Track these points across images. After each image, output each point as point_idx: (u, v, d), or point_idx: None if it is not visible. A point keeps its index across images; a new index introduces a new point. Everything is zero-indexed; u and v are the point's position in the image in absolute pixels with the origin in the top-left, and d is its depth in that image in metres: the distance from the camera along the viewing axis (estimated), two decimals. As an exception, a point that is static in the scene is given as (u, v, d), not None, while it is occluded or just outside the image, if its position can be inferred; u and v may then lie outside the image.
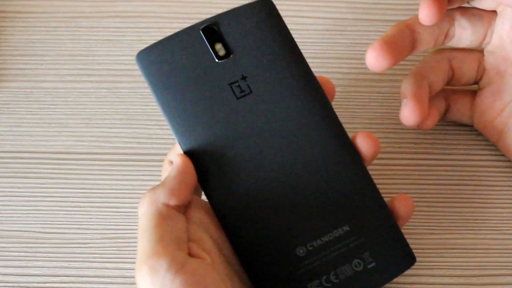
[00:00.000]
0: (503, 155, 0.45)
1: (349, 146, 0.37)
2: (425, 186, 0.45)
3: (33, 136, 0.47)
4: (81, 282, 0.41)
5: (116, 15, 0.53)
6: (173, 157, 0.36)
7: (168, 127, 0.36)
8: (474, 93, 0.44)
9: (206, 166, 0.35)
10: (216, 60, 0.36)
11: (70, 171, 0.46)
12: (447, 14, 0.41)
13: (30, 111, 0.48)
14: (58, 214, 0.44)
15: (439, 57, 0.43)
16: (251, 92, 0.36)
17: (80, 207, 0.44)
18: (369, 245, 0.35)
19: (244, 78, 0.36)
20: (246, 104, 0.36)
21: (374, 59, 0.39)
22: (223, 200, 0.35)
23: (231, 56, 0.36)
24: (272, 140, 0.35)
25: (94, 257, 0.42)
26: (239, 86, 0.36)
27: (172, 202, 0.33)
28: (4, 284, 0.41)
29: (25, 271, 0.42)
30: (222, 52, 0.36)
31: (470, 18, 0.41)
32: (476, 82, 0.44)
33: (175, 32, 0.37)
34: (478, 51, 0.43)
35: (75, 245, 0.43)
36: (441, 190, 0.45)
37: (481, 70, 0.43)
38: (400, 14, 0.52)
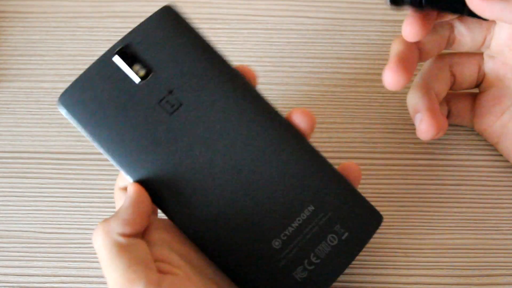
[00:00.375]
0: (503, 155, 0.45)
1: (288, 127, 0.37)
2: (425, 186, 0.45)
3: (33, 136, 0.47)
4: (81, 282, 0.41)
5: (116, 15, 0.53)
6: (123, 184, 0.35)
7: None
8: (474, 97, 0.44)
9: (160, 189, 0.35)
10: (138, 82, 0.35)
11: (70, 171, 0.46)
12: (447, 21, 0.41)
13: (30, 111, 0.48)
14: (58, 214, 0.44)
15: (440, 65, 0.43)
16: (181, 104, 0.35)
17: (80, 207, 0.44)
18: (337, 217, 0.36)
19: (170, 92, 0.35)
20: (180, 117, 0.35)
21: (393, 79, 0.39)
22: (187, 217, 0.35)
23: (152, 74, 0.35)
24: (216, 144, 0.35)
25: (94, 257, 0.42)
26: (167, 101, 0.35)
27: (127, 231, 0.33)
28: (4, 284, 0.41)
29: (25, 271, 0.42)
30: (141, 72, 0.35)
31: (469, 25, 0.41)
32: (478, 86, 0.44)
33: (89, 66, 0.36)
34: (478, 54, 0.43)
35: (75, 245, 0.43)
36: (441, 190, 0.45)
37: (482, 74, 0.43)
38: (400, 14, 0.52)
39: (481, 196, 0.44)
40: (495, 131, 0.43)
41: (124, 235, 0.33)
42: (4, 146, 0.47)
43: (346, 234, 0.36)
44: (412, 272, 0.41)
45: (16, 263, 0.42)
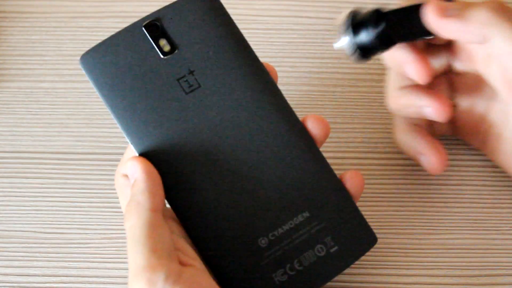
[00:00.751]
0: (503, 155, 0.45)
1: (301, 131, 0.36)
2: (425, 186, 0.45)
3: (33, 136, 0.47)
4: (81, 282, 0.41)
5: (116, 15, 0.53)
6: (124, 171, 0.35)
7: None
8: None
9: (163, 166, 0.34)
10: (162, 57, 0.36)
11: (70, 171, 0.46)
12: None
13: (30, 111, 0.48)
14: (58, 214, 0.44)
15: (408, 97, 0.42)
16: (199, 86, 0.35)
17: (80, 207, 0.44)
18: (330, 229, 0.35)
19: (191, 72, 0.36)
20: (196, 98, 0.35)
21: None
22: (183, 199, 0.35)
23: (176, 51, 0.36)
24: (225, 132, 0.35)
25: (94, 257, 0.42)
26: (187, 81, 0.35)
27: (156, 203, 0.33)
28: (4, 284, 0.41)
29: (25, 271, 0.42)
30: (167, 47, 0.36)
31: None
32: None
33: (118, 31, 0.36)
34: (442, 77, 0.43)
35: (75, 245, 0.43)
36: (441, 190, 0.45)
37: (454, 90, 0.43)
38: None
39: (481, 196, 0.44)
40: (478, 135, 0.43)
41: (154, 209, 0.33)
42: (4, 146, 0.47)
43: (336, 248, 0.35)
44: (412, 272, 0.41)
45: (16, 263, 0.42)
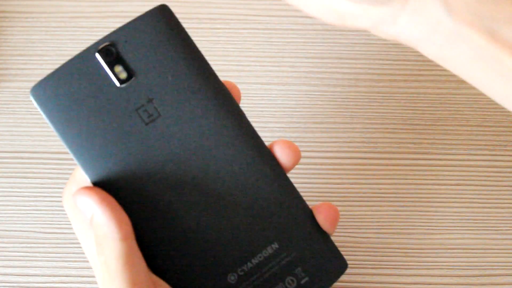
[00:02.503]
0: (503, 155, 0.45)
1: (268, 158, 0.35)
2: (425, 186, 0.45)
3: (33, 136, 0.47)
4: (81, 282, 0.41)
5: (116, 15, 0.53)
6: (76, 201, 0.32)
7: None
8: None
9: (121, 197, 0.32)
10: (118, 85, 0.33)
11: (70, 171, 0.46)
12: None
13: (30, 111, 0.48)
14: (58, 214, 0.44)
15: None
16: (159, 115, 0.33)
17: (80, 207, 0.44)
18: (300, 260, 0.34)
19: (150, 100, 0.33)
20: (156, 129, 0.33)
21: None
22: (145, 233, 0.33)
23: (133, 78, 0.33)
24: (188, 163, 0.33)
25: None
26: (146, 110, 0.33)
27: (126, 231, 0.31)
28: (4, 284, 0.41)
29: (25, 271, 0.42)
30: (123, 75, 0.33)
31: None
32: None
33: (70, 59, 0.34)
34: None
35: (75, 245, 0.43)
36: (441, 190, 0.45)
37: None
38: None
39: (481, 196, 0.44)
40: None
41: (124, 238, 0.31)
42: (4, 146, 0.47)
43: (306, 279, 0.34)
44: (412, 272, 0.41)
45: (16, 263, 0.42)
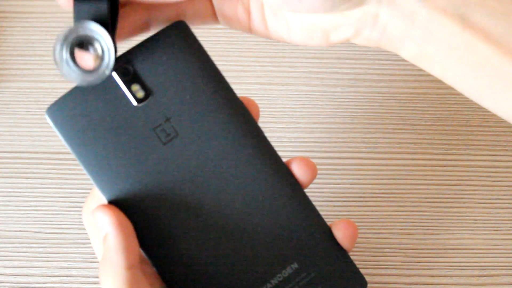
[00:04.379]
0: (503, 155, 0.45)
1: (286, 176, 0.34)
2: (425, 186, 0.45)
3: (33, 136, 0.47)
4: (81, 282, 0.41)
5: (116, 15, 0.53)
6: (95, 217, 0.32)
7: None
8: None
9: (141, 222, 0.32)
10: (135, 104, 0.32)
11: (70, 171, 0.46)
12: None
13: (30, 111, 0.48)
14: (58, 214, 0.44)
15: None
16: (177, 134, 0.33)
17: (80, 207, 0.44)
18: (320, 279, 0.33)
19: (168, 119, 0.33)
20: (174, 148, 0.33)
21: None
22: (165, 256, 0.32)
23: (151, 97, 0.32)
24: (207, 183, 0.33)
25: (94, 257, 0.42)
26: (163, 129, 0.33)
27: (132, 261, 0.30)
28: (4, 284, 0.41)
29: (25, 271, 0.42)
30: (140, 94, 0.32)
31: None
32: None
33: None
34: None
35: (75, 245, 0.43)
36: (441, 190, 0.45)
37: None
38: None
39: (481, 196, 0.44)
40: (241, 17, 0.36)
41: (129, 266, 0.30)
42: (4, 146, 0.47)
43: None
44: (412, 272, 0.41)
45: (16, 263, 0.42)
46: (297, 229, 0.34)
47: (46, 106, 0.48)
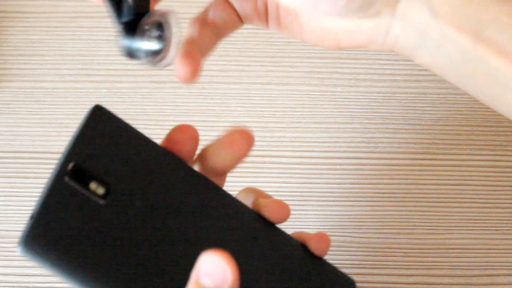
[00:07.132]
0: (503, 155, 0.45)
1: (251, 214, 0.33)
2: (425, 186, 0.45)
3: (33, 136, 0.47)
4: (81, 282, 0.41)
5: (116, 15, 0.53)
6: None
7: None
8: None
9: None
10: (102, 202, 0.30)
11: (70, 171, 0.46)
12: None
13: (30, 111, 0.48)
14: (58, 214, 0.44)
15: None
16: (153, 216, 0.31)
17: (80, 207, 0.44)
18: None
19: (139, 205, 0.31)
20: (158, 231, 0.30)
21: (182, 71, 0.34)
22: None
23: (112, 187, 0.30)
24: (187, 247, 0.31)
25: (94, 257, 0.42)
26: (137, 216, 0.31)
27: None
28: (4, 284, 0.41)
29: (25, 271, 0.42)
30: (100, 190, 0.30)
31: None
32: None
33: (43, 195, 0.30)
34: None
35: (75, 245, 0.43)
36: (441, 190, 0.45)
37: None
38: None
39: (481, 196, 0.44)
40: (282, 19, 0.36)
41: None
42: (4, 146, 0.47)
43: None
44: (412, 272, 0.41)
45: (16, 263, 0.42)
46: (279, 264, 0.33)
47: (47, 106, 0.48)
